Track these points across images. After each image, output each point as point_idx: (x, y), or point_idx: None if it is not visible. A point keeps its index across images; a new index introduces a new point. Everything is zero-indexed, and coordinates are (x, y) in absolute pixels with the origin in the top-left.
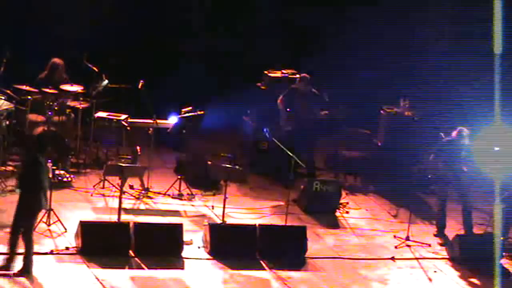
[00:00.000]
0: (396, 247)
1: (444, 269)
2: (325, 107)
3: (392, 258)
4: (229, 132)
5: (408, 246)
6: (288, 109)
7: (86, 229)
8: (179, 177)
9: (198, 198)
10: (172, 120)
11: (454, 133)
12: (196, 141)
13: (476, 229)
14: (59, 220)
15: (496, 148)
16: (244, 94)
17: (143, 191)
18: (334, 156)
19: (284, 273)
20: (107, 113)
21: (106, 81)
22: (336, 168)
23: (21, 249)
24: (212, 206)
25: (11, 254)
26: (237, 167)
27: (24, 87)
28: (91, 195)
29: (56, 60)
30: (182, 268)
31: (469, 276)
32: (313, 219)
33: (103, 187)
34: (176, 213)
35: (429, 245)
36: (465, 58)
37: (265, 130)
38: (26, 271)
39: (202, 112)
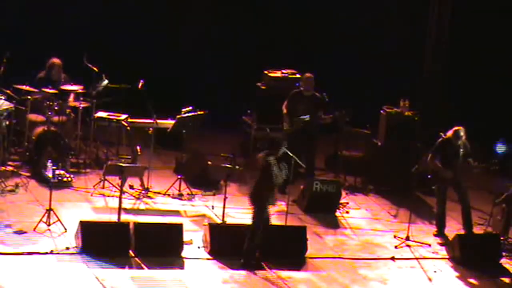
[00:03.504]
0: (396, 247)
1: (444, 269)
2: (328, 110)
3: (392, 258)
4: (229, 132)
5: (408, 246)
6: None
7: (86, 229)
8: (179, 177)
9: (198, 198)
10: None
11: (450, 132)
12: (196, 141)
13: (476, 229)
14: (59, 220)
15: None
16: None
17: (143, 191)
18: (334, 156)
19: (284, 273)
20: (107, 113)
21: (106, 81)
22: (336, 168)
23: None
24: (212, 206)
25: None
26: (237, 167)
27: (24, 87)
28: (91, 195)
29: (54, 60)
30: (182, 268)
31: (469, 276)
32: (313, 219)
33: (103, 187)
34: (176, 213)
35: (429, 245)
36: None
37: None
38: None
39: (202, 112)
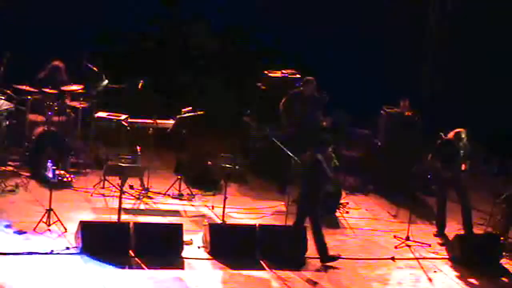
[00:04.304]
0: (396, 247)
1: (444, 269)
2: (327, 112)
3: (392, 258)
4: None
5: (408, 246)
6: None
7: (86, 229)
8: (179, 177)
9: (198, 198)
10: None
11: (451, 134)
12: (196, 141)
13: (476, 229)
14: (59, 220)
15: None
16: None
17: (143, 191)
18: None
19: (284, 273)
20: (107, 113)
21: (106, 81)
22: (336, 168)
23: None
24: (212, 206)
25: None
26: (237, 167)
27: (24, 87)
28: (91, 195)
29: (57, 62)
30: (182, 268)
31: (469, 276)
32: None
33: (103, 187)
34: (176, 213)
35: (429, 245)
36: None
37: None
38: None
39: (202, 112)
